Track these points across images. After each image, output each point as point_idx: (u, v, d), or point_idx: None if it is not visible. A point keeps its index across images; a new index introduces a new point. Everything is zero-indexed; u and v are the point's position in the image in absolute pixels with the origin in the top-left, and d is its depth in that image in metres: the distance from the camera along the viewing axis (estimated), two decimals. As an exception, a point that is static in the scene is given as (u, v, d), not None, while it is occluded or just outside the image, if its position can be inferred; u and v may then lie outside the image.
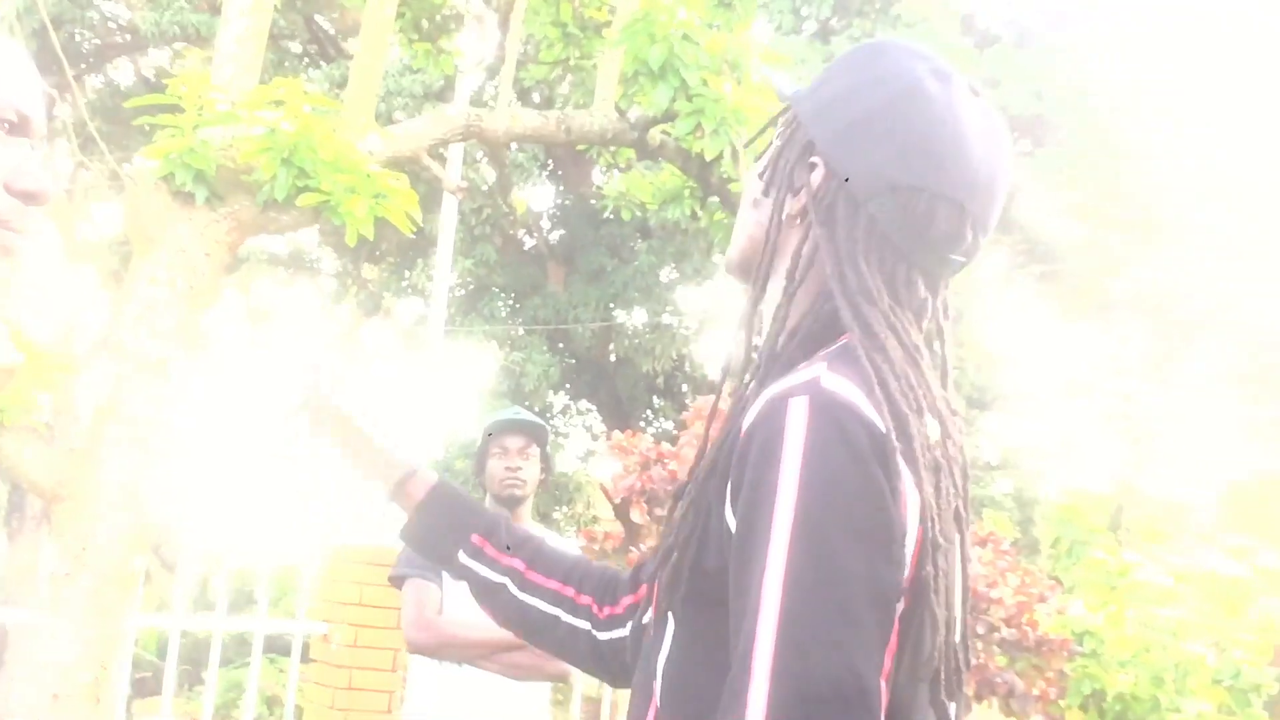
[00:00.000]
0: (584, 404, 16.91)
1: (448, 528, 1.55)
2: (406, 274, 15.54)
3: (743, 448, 1.13)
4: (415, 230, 4.48)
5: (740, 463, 1.12)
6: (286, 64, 14.90)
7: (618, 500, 6.76)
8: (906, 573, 1.10)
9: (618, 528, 7.48)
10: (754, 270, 1.30)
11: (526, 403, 14.63)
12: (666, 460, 6.62)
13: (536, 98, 14.49)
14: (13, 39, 1.06)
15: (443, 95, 13.97)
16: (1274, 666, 6.88)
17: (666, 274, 15.36)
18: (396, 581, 3.88)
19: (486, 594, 1.54)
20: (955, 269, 1.26)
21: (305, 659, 6.00)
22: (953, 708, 1.18)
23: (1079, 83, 14.67)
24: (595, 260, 15.10)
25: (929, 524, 1.11)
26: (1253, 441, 17.37)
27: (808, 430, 1.08)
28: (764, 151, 1.36)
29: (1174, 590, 6.55)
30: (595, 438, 16.65)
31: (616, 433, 7.10)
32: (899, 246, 1.23)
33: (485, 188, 14.26)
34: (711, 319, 16.35)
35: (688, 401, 16.26)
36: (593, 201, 16.19)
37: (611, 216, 14.99)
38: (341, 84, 13.78)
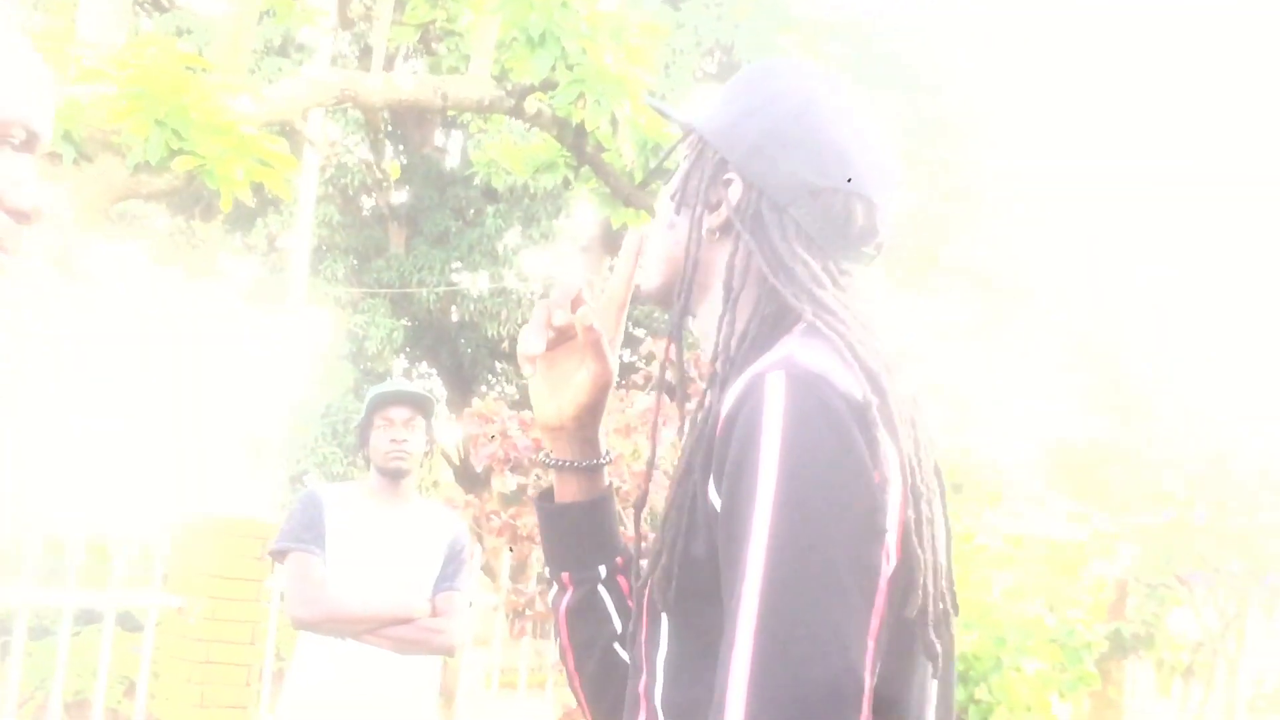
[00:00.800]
0: (424, 367, 16.72)
1: (598, 541, 1.44)
2: (242, 235, 15.12)
3: (724, 429, 1.16)
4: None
5: (723, 443, 1.15)
6: (115, 12, 14.24)
7: (479, 469, 6.71)
8: (895, 532, 1.13)
9: (459, 494, 7.43)
10: (678, 289, 1.34)
11: (369, 364, 14.41)
12: (529, 428, 6.60)
13: (405, 63, 14.23)
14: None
15: (283, 50, 13.59)
16: (1103, 625, 7.22)
17: (512, 238, 15.25)
18: (279, 555, 3.80)
19: (589, 624, 1.42)
20: (868, 261, 1.34)
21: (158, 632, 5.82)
22: (941, 648, 1.20)
23: (907, 62, 15.03)
24: (440, 223, 14.90)
25: (910, 475, 1.15)
26: (1072, 406, 18.16)
27: (786, 403, 1.11)
28: (670, 177, 1.40)
29: (1011, 555, 6.82)
30: (436, 402, 16.49)
31: (475, 400, 7.04)
32: (824, 246, 1.29)
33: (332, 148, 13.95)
34: (556, 284, 16.33)
35: (530, 366, 16.23)
36: (434, 162, 15.97)
37: (459, 179, 14.87)
38: (177, 35, 13.29)
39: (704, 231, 1.31)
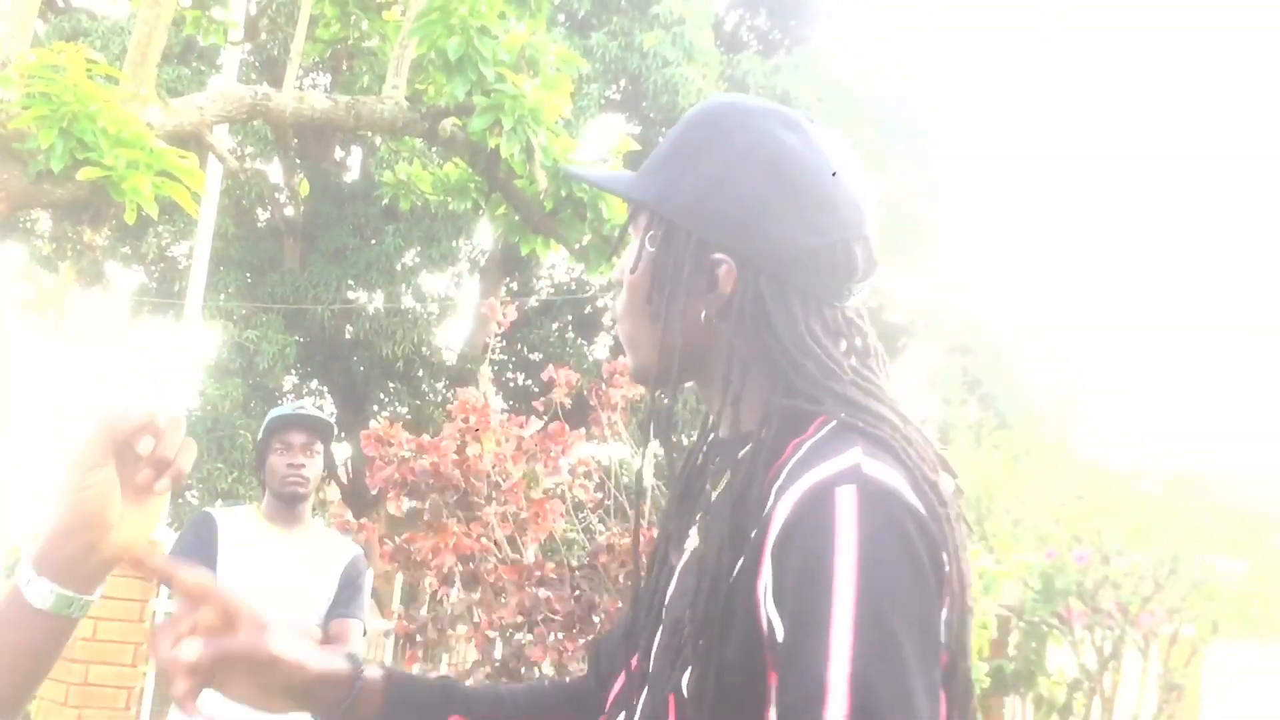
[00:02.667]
0: (316, 385, 16.47)
1: (429, 710, 1.38)
2: (132, 243, 14.78)
3: (784, 537, 1.08)
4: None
5: (783, 553, 1.08)
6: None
7: (375, 492, 6.61)
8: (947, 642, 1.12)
9: (350, 516, 7.30)
10: (693, 369, 1.27)
11: (260, 380, 14.14)
12: (427, 453, 6.53)
13: (303, 78, 14.02)
14: None
15: (184, 58, 13.34)
16: (984, 663, 7.32)
17: (411, 257, 15.11)
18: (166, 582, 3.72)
19: None
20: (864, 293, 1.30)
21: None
22: None
23: (821, 91, 15.25)
24: (337, 239, 14.70)
25: (960, 586, 1.13)
26: (949, 441, 18.49)
27: (859, 520, 1.05)
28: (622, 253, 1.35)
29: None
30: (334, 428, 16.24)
31: (373, 422, 6.95)
32: (828, 298, 1.24)
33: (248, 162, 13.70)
34: (453, 305, 16.20)
35: (424, 387, 16.07)
36: (333, 177, 15.77)
37: (358, 196, 14.69)
38: (72, 37, 12.97)
39: (699, 321, 1.24)
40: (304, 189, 12.88)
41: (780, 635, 1.07)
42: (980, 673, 6.86)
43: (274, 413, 3.94)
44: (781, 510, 1.10)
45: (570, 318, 16.43)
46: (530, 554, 4.97)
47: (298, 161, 16.18)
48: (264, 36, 12.63)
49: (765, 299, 1.21)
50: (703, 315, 1.23)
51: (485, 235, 15.49)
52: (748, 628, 1.11)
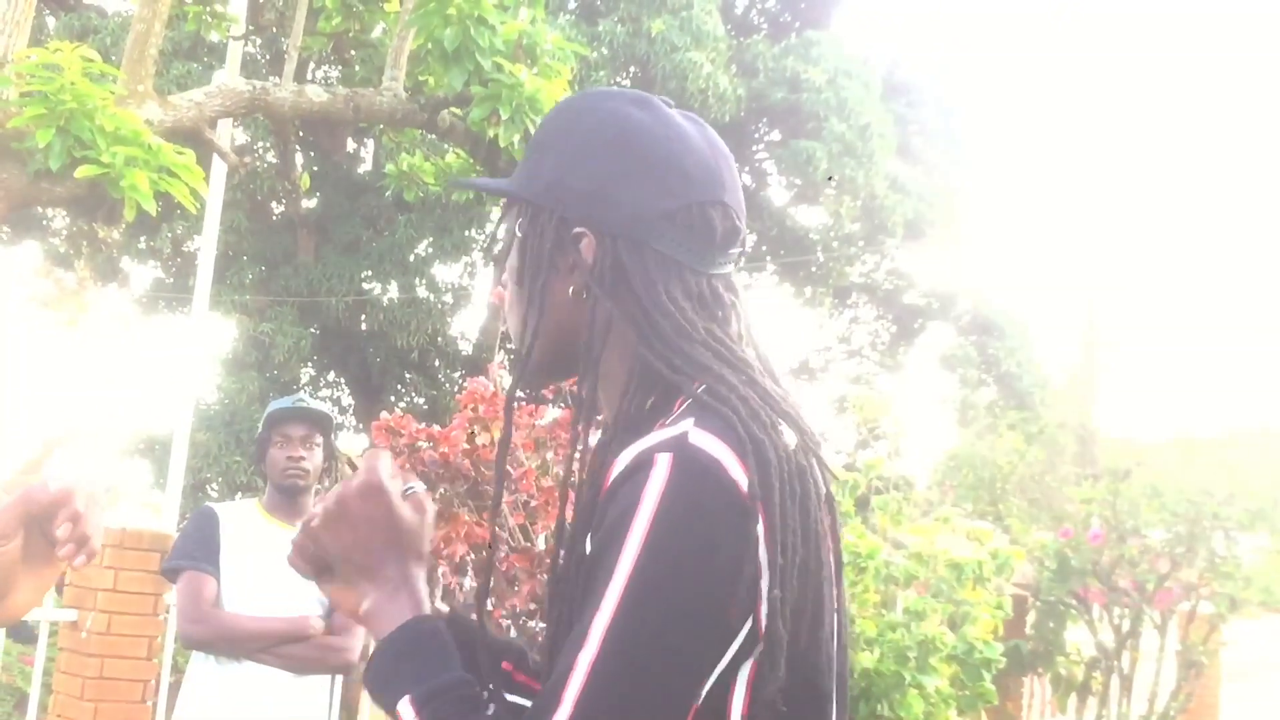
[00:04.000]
0: (332, 376, 16.53)
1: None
2: (147, 238, 14.84)
3: (609, 492, 1.15)
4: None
5: (604, 506, 1.15)
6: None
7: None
8: (758, 620, 1.13)
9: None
10: (567, 365, 1.31)
11: (276, 373, 14.21)
12: (438, 443, 6.55)
13: (314, 71, 14.07)
14: None
15: (193, 53, 13.37)
16: (1000, 643, 7.32)
17: (424, 248, 15.13)
18: (171, 574, 3.75)
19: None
20: (738, 261, 1.33)
21: (51, 647, 5.69)
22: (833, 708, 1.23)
23: (833, 76, 15.19)
24: (350, 231, 14.74)
25: (787, 564, 1.14)
26: (966, 421, 18.45)
27: (665, 489, 1.10)
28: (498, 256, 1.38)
29: (914, 571, 6.89)
30: (344, 411, 16.31)
31: (384, 413, 6.97)
32: (694, 265, 1.27)
33: (247, 157, 13.71)
34: (466, 295, 16.21)
35: (440, 377, 16.11)
36: (346, 169, 15.80)
37: (371, 188, 14.71)
38: (82, 35, 13.02)
39: (569, 298, 1.27)
40: (305, 183, 12.89)
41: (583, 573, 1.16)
42: (996, 652, 6.84)
43: (273, 405, 3.95)
44: (616, 466, 1.16)
45: (583, 305, 16.43)
46: (541, 542, 4.99)
47: (311, 155, 16.22)
48: (274, 30, 12.65)
49: (625, 264, 1.24)
50: (570, 290, 1.27)
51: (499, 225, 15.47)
52: None
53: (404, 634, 1.22)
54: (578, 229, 1.26)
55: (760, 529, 1.12)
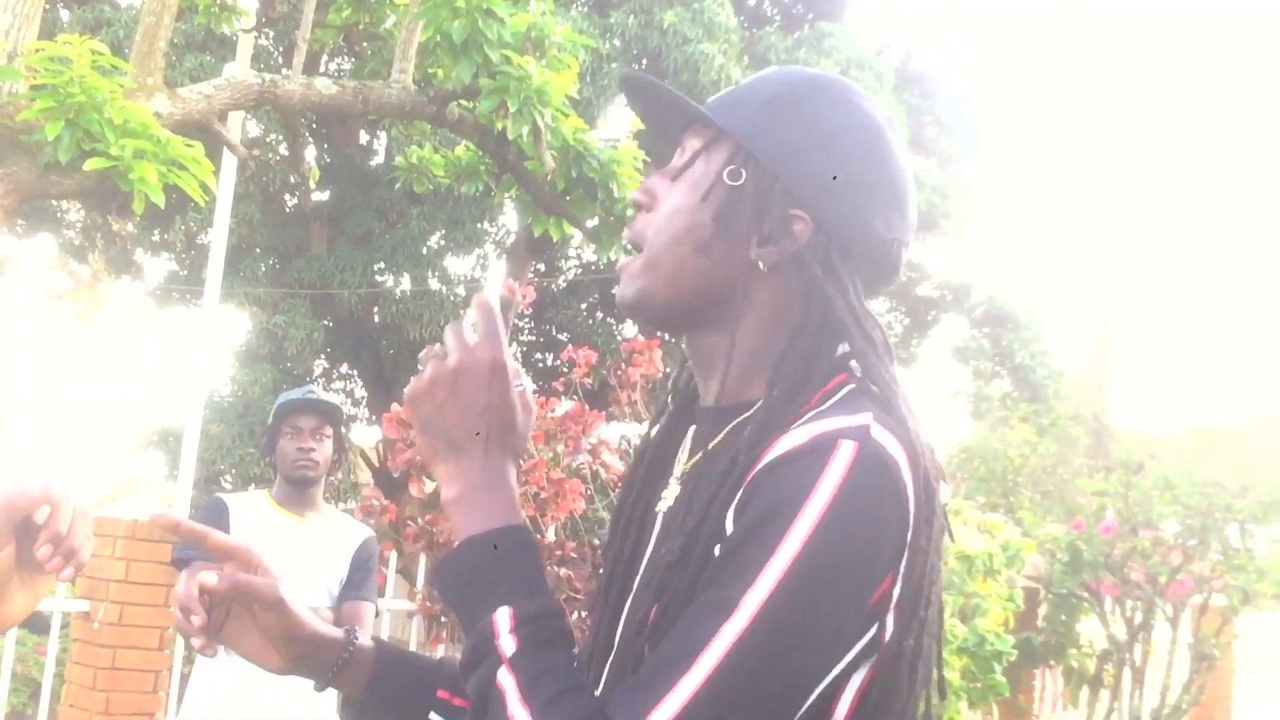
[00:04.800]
0: (345, 369, 16.56)
1: (411, 693, 1.41)
2: (160, 231, 14.87)
3: (771, 467, 1.10)
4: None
5: (762, 480, 1.10)
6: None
7: (397, 474, 6.64)
8: (874, 631, 1.12)
9: (380, 497, 7.34)
10: (708, 316, 1.26)
11: (288, 365, 14.23)
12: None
13: (328, 63, 14.08)
14: None
15: (205, 46, 13.39)
16: (1012, 635, 7.31)
17: (436, 240, 15.14)
18: (181, 565, 3.76)
19: None
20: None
21: (63, 637, 5.71)
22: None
23: (845, 68, 15.14)
24: (363, 224, 14.75)
25: (922, 573, 1.13)
26: (979, 413, 18.42)
27: (846, 476, 1.07)
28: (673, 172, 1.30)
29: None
30: (357, 404, 16.34)
31: (395, 405, 6.98)
32: (868, 290, 1.28)
33: (256, 149, 13.74)
34: (479, 287, 16.23)
35: (453, 369, 16.09)
36: (359, 162, 15.82)
37: (383, 180, 14.73)
38: (95, 28, 13.05)
39: (747, 260, 1.23)
40: (314, 175, 12.90)
41: (728, 538, 1.09)
42: (1007, 644, 6.84)
43: (283, 397, 3.96)
44: (780, 447, 1.11)
45: (597, 297, 16.41)
46: (551, 533, 4.99)
47: (324, 148, 16.24)
48: (287, 23, 12.67)
49: (834, 265, 1.22)
50: (761, 264, 1.23)
51: (511, 217, 15.50)
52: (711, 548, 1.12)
53: (508, 535, 1.14)
54: (798, 210, 1.23)
55: (920, 542, 1.12)
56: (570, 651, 1.11)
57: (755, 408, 1.21)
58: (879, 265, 1.27)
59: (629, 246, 1.32)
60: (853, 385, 1.20)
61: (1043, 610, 9.10)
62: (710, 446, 1.25)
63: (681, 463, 1.31)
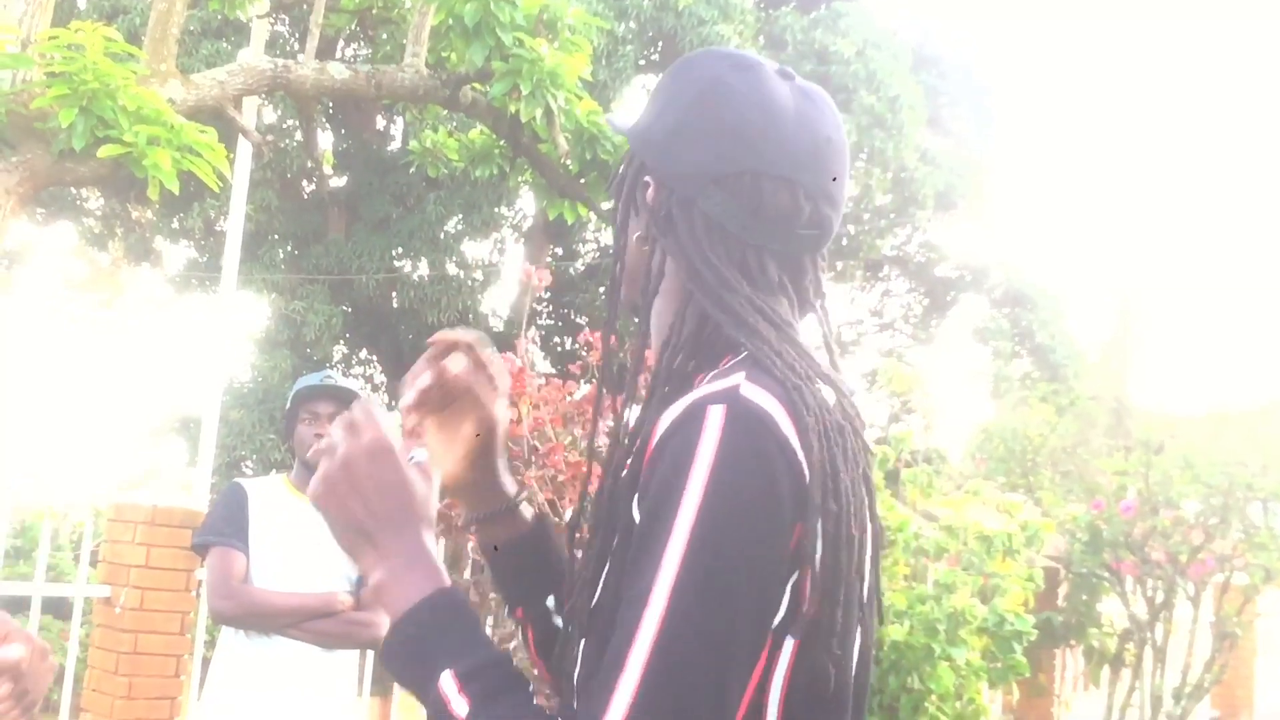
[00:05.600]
0: (364, 354, 16.60)
1: (541, 572, 1.44)
2: (179, 218, 14.91)
3: (657, 449, 1.12)
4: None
5: (653, 463, 1.12)
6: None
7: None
8: (806, 575, 1.12)
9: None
10: (618, 301, 1.34)
11: (308, 351, 14.28)
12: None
13: (344, 49, 14.06)
14: None
15: (221, 32, 13.41)
16: (1032, 615, 7.29)
17: (453, 225, 15.15)
18: (201, 550, 3.78)
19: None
20: (810, 244, 1.29)
21: (85, 622, 5.75)
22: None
23: (862, 48, 15.07)
24: (380, 209, 14.77)
25: (834, 520, 1.13)
26: (999, 393, 18.35)
27: (721, 439, 1.08)
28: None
29: (944, 544, 6.87)
30: (376, 389, 16.38)
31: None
32: (739, 234, 1.25)
33: (267, 134, 13.76)
34: (496, 272, 16.24)
35: (471, 353, 16.13)
36: (376, 147, 15.83)
37: (399, 165, 14.74)
38: (112, 15, 13.08)
39: (634, 239, 1.30)
40: (328, 160, 12.93)
41: (634, 533, 1.12)
42: (1028, 624, 6.83)
43: (301, 382, 3.96)
44: (662, 423, 1.13)
45: (615, 280, 16.43)
46: (569, 516, 4.99)
47: (341, 133, 16.25)
48: (303, 8, 12.67)
49: (674, 217, 1.26)
50: (635, 236, 1.30)
51: (528, 201, 15.50)
52: (628, 539, 1.14)
53: (433, 605, 1.14)
54: (646, 177, 1.29)
55: (813, 482, 1.11)
56: (523, 691, 1.11)
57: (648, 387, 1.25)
58: (735, 201, 1.25)
59: None
60: (741, 357, 1.20)
61: (1063, 590, 9.09)
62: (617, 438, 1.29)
63: None
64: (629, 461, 1.19)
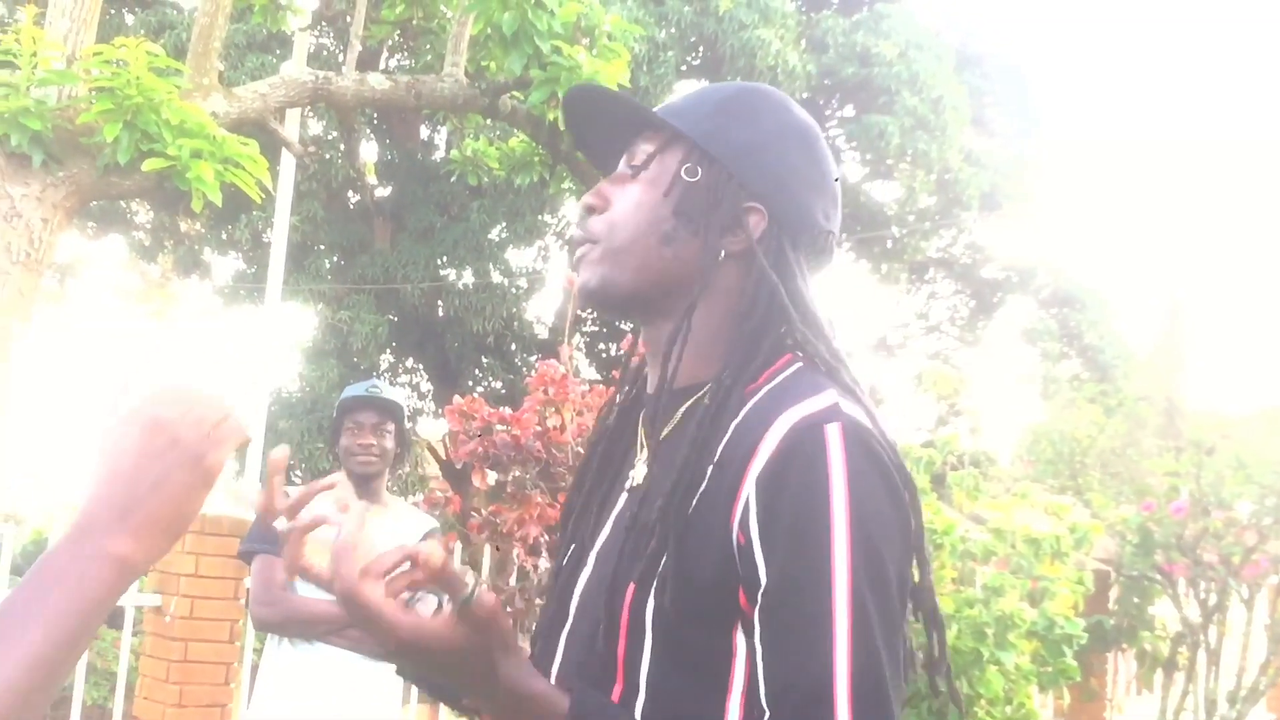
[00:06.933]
0: (411, 362, 16.70)
1: None
2: (227, 229, 15.07)
3: (774, 469, 1.16)
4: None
5: (774, 485, 1.16)
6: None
7: (459, 466, 6.68)
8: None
9: (448, 489, 7.40)
10: (669, 303, 1.33)
11: (354, 360, 14.38)
12: (509, 425, 6.58)
13: (388, 59, 14.16)
14: None
15: (266, 46, 13.54)
16: (1083, 619, 7.23)
17: (497, 233, 15.21)
18: (246, 557, 3.81)
19: None
20: None
21: (137, 631, 5.82)
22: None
23: (904, 49, 15.00)
24: (425, 218, 14.86)
25: (919, 524, 1.23)
26: (1048, 394, 18.20)
27: (847, 458, 1.15)
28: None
29: (992, 547, 6.82)
30: (423, 397, 16.47)
31: (456, 397, 7.02)
32: (805, 276, 1.36)
33: (311, 145, 13.88)
34: (540, 279, 16.29)
35: (516, 361, 16.20)
36: (419, 157, 15.92)
37: (443, 174, 14.82)
38: (158, 30, 13.24)
39: (711, 257, 1.31)
40: (370, 171, 12.99)
41: (765, 567, 1.15)
42: (1078, 628, 6.77)
43: (346, 393, 4.00)
44: (769, 441, 1.18)
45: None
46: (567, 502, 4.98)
47: (385, 143, 16.36)
48: (346, 20, 12.78)
49: (785, 253, 1.33)
50: (721, 254, 1.32)
51: (572, 208, 15.53)
52: (718, 546, 1.18)
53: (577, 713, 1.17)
54: (752, 204, 1.33)
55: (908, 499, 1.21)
56: None
57: (705, 389, 1.29)
58: (818, 254, 1.38)
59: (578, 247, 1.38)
60: (799, 364, 1.29)
61: (1114, 593, 8.99)
62: (668, 430, 1.32)
63: (642, 445, 1.37)
64: (704, 468, 1.22)
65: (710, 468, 1.22)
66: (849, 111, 16.54)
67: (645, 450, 1.36)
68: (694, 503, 1.21)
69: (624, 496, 1.36)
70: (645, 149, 1.36)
